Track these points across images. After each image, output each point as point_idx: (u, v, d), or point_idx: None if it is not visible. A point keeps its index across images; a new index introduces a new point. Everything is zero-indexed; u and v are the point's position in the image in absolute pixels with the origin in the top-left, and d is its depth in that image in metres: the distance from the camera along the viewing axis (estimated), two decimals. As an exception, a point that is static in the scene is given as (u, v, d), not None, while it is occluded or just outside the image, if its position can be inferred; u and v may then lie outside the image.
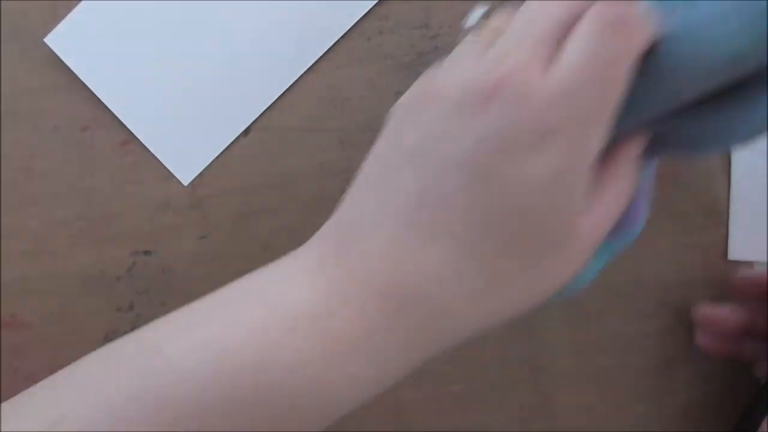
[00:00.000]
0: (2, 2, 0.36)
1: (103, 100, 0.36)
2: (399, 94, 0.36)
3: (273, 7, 0.36)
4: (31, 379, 0.37)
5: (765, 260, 0.36)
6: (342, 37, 0.36)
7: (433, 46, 0.36)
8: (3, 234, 0.36)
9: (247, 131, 0.36)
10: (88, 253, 0.37)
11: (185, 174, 0.36)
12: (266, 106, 0.36)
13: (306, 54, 0.36)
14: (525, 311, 0.22)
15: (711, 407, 0.36)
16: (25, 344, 0.37)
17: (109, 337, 0.37)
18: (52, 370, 0.37)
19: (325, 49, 0.36)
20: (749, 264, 0.36)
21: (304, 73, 0.36)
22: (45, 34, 0.36)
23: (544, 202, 0.20)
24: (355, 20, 0.35)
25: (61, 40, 0.36)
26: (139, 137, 0.36)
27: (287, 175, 0.37)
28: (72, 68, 0.36)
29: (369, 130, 0.36)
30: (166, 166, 0.36)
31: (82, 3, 0.36)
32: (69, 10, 0.36)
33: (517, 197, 0.20)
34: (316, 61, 0.36)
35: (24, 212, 0.36)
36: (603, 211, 0.21)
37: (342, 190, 0.37)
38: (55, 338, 0.37)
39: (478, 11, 0.32)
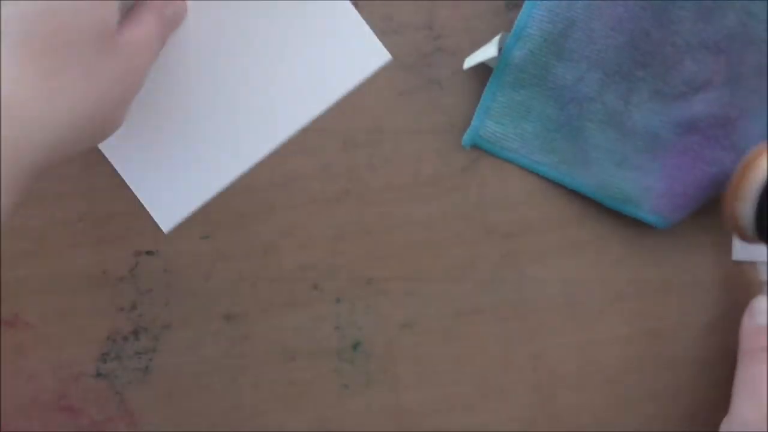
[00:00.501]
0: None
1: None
2: (402, 94, 0.36)
3: (266, 69, 0.35)
4: (33, 378, 0.37)
5: (766, 260, 0.36)
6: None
7: (437, 47, 0.36)
8: (5, 234, 0.36)
9: (250, 131, 0.36)
10: (90, 253, 0.37)
11: (166, 222, 0.36)
12: (250, 166, 0.36)
13: (290, 121, 0.36)
14: (105, 110, 0.28)
15: (716, 408, 0.36)
16: (27, 344, 0.37)
17: (111, 338, 0.37)
18: (54, 370, 0.38)
19: (307, 122, 0.36)
20: (752, 264, 0.36)
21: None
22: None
23: (78, 24, 0.27)
24: (320, 112, 0.36)
25: None
26: (126, 180, 0.36)
27: (289, 175, 0.37)
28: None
29: (372, 131, 0.36)
30: (149, 211, 0.36)
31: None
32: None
33: (61, 22, 0.26)
34: (320, 62, 0.36)
35: (26, 212, 0.36)
36: (136, 35, 0.29)
37: (345, 190, 0.37)
38: (56, 338, 0.37)
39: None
